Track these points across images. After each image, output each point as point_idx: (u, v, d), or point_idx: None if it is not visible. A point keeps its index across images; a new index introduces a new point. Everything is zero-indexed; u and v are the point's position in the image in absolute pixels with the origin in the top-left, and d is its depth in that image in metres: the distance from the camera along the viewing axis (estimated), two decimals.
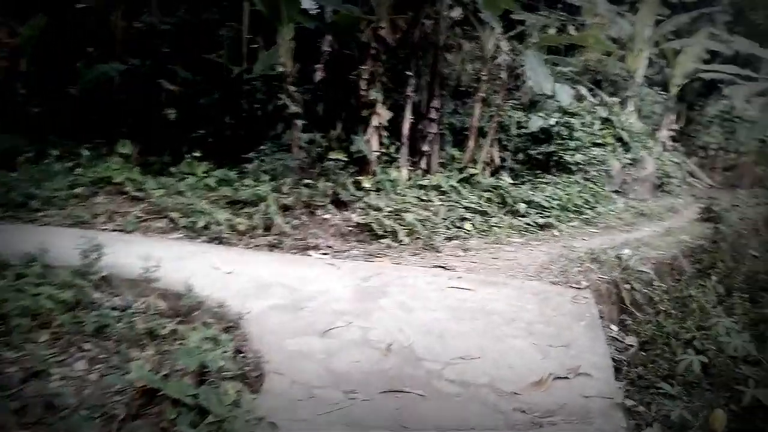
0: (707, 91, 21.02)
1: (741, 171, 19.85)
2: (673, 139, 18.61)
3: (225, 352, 4.38)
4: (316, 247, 7.68)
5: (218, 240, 7.66)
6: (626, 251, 7.70)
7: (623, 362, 5.36)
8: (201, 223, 7.88)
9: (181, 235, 7.85)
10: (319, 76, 10.82)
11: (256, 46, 11.65)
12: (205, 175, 9.67)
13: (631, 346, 5.85)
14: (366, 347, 4.68)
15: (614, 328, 6.13)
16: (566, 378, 4.48)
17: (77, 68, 13.57)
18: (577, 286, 6.52)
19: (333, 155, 9.81)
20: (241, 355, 4.40)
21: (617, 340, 5.84)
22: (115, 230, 7.87)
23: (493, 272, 7.05)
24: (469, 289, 6.17)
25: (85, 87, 14.71)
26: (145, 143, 13.31)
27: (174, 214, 8.15)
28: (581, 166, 12.33)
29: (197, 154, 10.77)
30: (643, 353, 5.70)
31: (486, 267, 7.27)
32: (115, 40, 13.97)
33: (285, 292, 5.76)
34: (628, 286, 6.84)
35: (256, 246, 7.62)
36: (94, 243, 5.90)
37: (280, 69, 10.07)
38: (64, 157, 11.85)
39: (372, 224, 8.29)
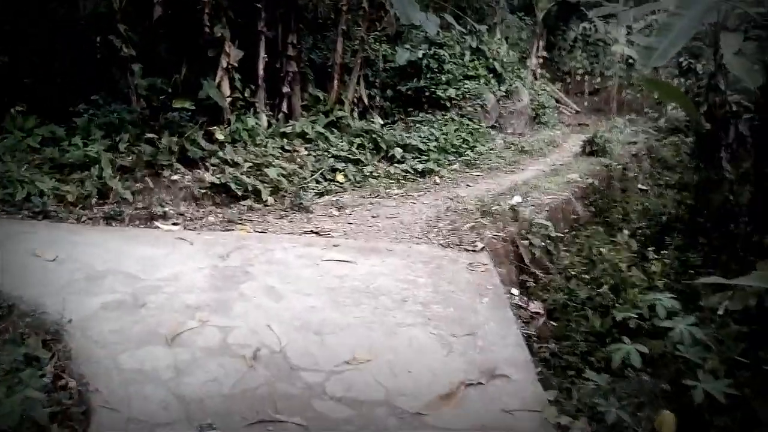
0: (567, 14, 21.33)
1: (606, 95, 20.54)
2: (541, 66, 18.85)
3: (41, 377, 3.63)
4: (164, 216, 6.86)
5: (43, 215, 6.60)
6: (517, 198, 7.46)
7: (531, 337, 4.81)
8: (20, 195, 6.75)
9: None
10: (158, 12, 9.56)
11: None
12: (24, 134, 8.32)
13: (538, 314, 5.38)
14: (226, 356, 3.94)
15: (515, 292, 5.62)
16: (480, 384, 3.79)
17: None
18: (471, 248, 6.09)
19: (178, 103, 8.81)
20: (61, 382, 3.64)
21: (521, 307, 5.35)
22: None
23: (374, 235, 6.58)
24: (348, 261, 5.62)
25: None
26: None
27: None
28: (455, 101, 12.06)
29: (21, 108, 9.34)
30: (553, 323, 5.30)
31: (365, 229, 6.79)
32: None
33: (123, 282, 4.96)
34: (526, 242, 6.44)
35: (90, 220, 6.67)
36: None
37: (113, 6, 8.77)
38: None
39: (229, 184, 7.55)
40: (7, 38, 11.26)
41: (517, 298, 5.52)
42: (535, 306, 5.52)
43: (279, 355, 3.98)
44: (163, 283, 4.99)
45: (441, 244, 6.23)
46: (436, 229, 6.65)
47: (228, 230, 6.71)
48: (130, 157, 7.70)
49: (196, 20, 9.38)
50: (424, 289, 5.13)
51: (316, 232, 6.64)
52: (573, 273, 5.87)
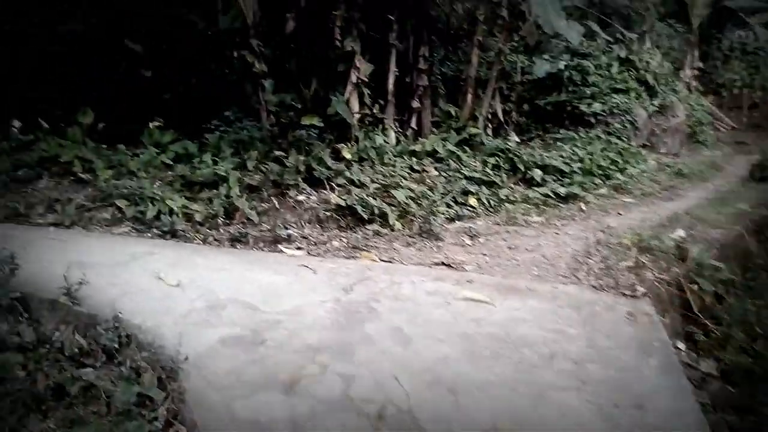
0: (723, 21, 19.56)
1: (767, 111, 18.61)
2: (697, 78, 17.34)
3: (154, 420, 3.45)
4: (288, 239, 6.69)
5: (171, 234, 6.65)
6: (679, 232, 6.60)
7: (705, 406, 4.03)
8: (151, 213, 6.87)
9: (127, 229, 6.85)
10: (290, 26, 9.59)
11: None
12: (159, 151, 8.56)
13: (710, 376, 4.60)
14: (348, 412, 3.55)
15: (681, 346, 4.91)
16: None
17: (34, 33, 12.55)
18: (630, 292, 5.38)
19: (306, 120, 8.70)
20: (173, 429, 3.43)
21: (689, 365, 4.61)
22: (52, 224, 6.87)
23: (513, 271, 6.01)
24: (485, 302, 5.11)
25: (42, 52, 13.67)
26: (108, 111, 12.36)
27: (121, 202, 7.12)
28: (601, 117, 11.19)
29: (158, 123, 9.72)
30: (731, 389, 4.46)
31: (502, 262, 6.24)
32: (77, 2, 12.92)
33: (243, 314, 4.77)
34: (695, 287, 5.59)
35: (216, 240, 6.63)
36: (5, 254, 4.88)
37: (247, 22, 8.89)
38: (23, 131, 10.99)
39: (355, 206, 7.28)
40: (152, 53, 11.87)
41: (684, 353, 4.76)
42: (708, 365, 4.72)
43: (407, 416, 3.54)
44: (284, 317, 4.74)
45: (593, 286, 5.55)
46: (585, 267, 5.97)
47: (353, 257, 6.42)
48: (258, 176, 7.67)
49: (326, 34, 9.31)
50: (576, 342, 4.50)
51: (448, 264, 6.19)
52: (760, 331, 4.93)
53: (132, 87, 13.34)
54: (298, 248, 6.59)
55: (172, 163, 8.37)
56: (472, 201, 8.17)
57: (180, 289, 5.17)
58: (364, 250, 6.61)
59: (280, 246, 6.56)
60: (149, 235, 6.69)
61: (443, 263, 6.27)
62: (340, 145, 8.56)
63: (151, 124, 10.23)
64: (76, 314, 4.67)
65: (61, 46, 13.48)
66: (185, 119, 10.56)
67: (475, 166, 9.06)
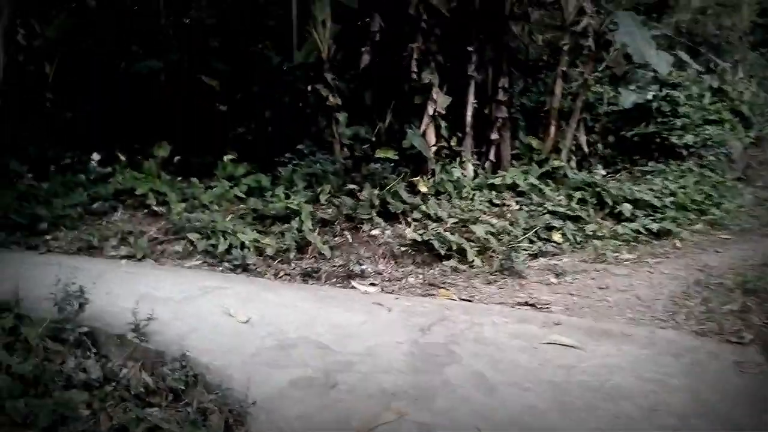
0: None
1: None
2: None
3: None
4: (361, 275, 6.46)
5: (242, 268, 6.54)
6: None
7: None
8: (222, 247, 6.78)
9: (198, 262, 6.79)
10: (365, 60, 9.52)
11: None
12: (232, 185, 8.56)
13: None
14: None
15: None
16: None
17: (113, 69, 13.15)
18: (736, 339, 4.85)
19: (381, 153, 8.54)
20: None
21: None
22: (125, 257, 6.88)
23: (604, 313, 5.55)
24: (575, 347, 4.69)
25: (122, 87, 14.28)
26: (184, 145, 12.70)
27: (193, 236, 7.08)
28: (693, 149, 10.55)
29: (231, 157, 9.80)
30: None
31: (592, 303, 5.80)
32: (160, 37, 13.49)
33: (315, 354, 4.53)
34: None
35: (288, 275, 6.47)
36: (74, 288, 4.84)
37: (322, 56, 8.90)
38: (102, 163, 11.41)
39: (432, 241, 6.98)
40: (227, 89, 12.11)
41: None
42: None
43: None
44: (356, 358, 4.47)
45: (694, 332, 5.03)
46: (684, 310, 5.45)
47: (429, 295, 6.12)
48: (330, 210, 7.53)
49: (402, 66, 9.19)
50: (679, 394, 4.02)
51: (532, 304, 5.79)
52: None
53: (207, 121, 13.69)
54: (372, 284, 6.34)
55: (244, 196, 8.34)
56: (557, 237, 7.73)
57: (250, 326, 4.99)
58: (441, 287, 6.30)
59: (353, 282, 6.34)
60: (220, 269, 6.60)
61: (527, 303, 5.88)
62: (415, 179, 8.34)
63: (225, 158, 10.34)
64: (144, 351, 4.55)
65: (140, 81, 14.01)
66: (259, 153, 10.63)
67: (559, 200, 8.63)
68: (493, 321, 5.27)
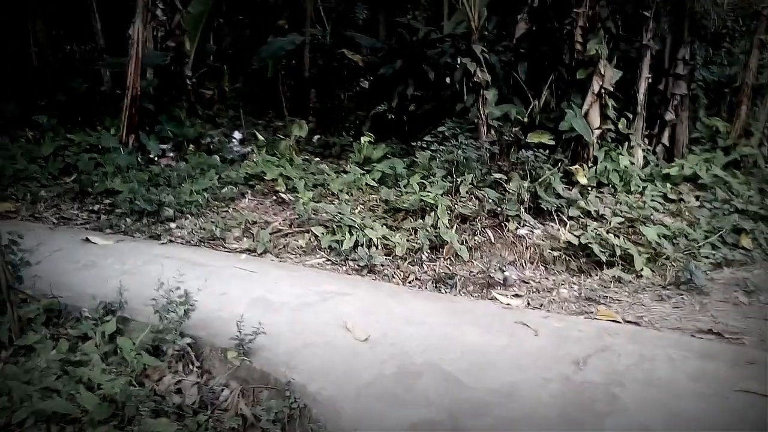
0: None
1: None
2: None
3: None
4: (503, 284, 5.73)
5: (368, 269, 6.04)
6: None
7: None
8: (347, 244, 6.32)
9: (321, 259, 6.37)
10: (521, 29, 8.66)
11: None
12: (364, 171, 8.12)
13: None
14: None
15: None
16: None
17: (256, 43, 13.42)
18: None
19: (534, 138, 7.68)
20: None
21: None
22: (245, 251, 6.62)
23: None
24: None
25: (261, 64, 14.49)
26: (322, 124, 12.61)
27: (317, 229, 6.68)
28: None
29: (368, 139, 9.41)
30: None
31: None
32: (304, 12, 13.53)
33: (442, 389, 3.92)
34: None
35: (418, 280, 5.88)
36: (179, 293, 4.54)
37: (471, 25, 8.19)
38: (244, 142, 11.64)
39: (591, 245, 6.10)
40: (370, 64, 11.73)
41: None
42: None
43: None
44: (493, 398, 3.79)
45: None
46: None
47: (586, 313, 5.28)
48: (471, 204, 6.83)
49: (564, 36, 8.24)
50: None
51: (717, 333, 4.79)
52: None
53: (348, 98, 13.42)
54: (516, 296, 5.60)
55: (376, 184, 7.85)
56: (746, 241, 6.54)
57: (369, 345, 4.45)
58: (601, 303, 5.43)
59: (493, 292, 5.63)
60: (344, 268, 6.15)
61: (710, 331, 4.87)
62: (573, 168, 7.41)
63: (362, 139, 9.98)
64: (248, 370, 4.18)
65: (283, 57, 14.05)
66: (398, 134, 10.15)
67: (750, 196, 7.35)
68: (668, 355, 4.36)
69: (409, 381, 4.00)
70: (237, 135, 12.62)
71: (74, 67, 13.17)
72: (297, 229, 6.98)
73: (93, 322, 4.64)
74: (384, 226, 6.59)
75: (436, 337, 4.59)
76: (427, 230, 6.41)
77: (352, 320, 4.78)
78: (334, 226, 6.65)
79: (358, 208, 7.25)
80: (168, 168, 9.80)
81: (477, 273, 5.89)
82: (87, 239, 6.79)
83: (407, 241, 6.36)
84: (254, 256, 6.48)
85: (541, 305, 5.41)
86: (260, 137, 12.40)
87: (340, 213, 6.78)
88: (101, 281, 5.53)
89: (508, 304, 5.41)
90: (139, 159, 10.31)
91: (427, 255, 6.24)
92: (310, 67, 14.06)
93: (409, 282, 5.84)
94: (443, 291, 5.65)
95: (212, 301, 5.12)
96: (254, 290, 5.41)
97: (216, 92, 14.95)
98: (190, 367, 4.39)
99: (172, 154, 11.19)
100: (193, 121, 12.93)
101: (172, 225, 7.39)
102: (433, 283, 5.78)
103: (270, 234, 6.85)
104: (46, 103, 12.53)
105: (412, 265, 6.13)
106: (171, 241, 6.90)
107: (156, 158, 10.64)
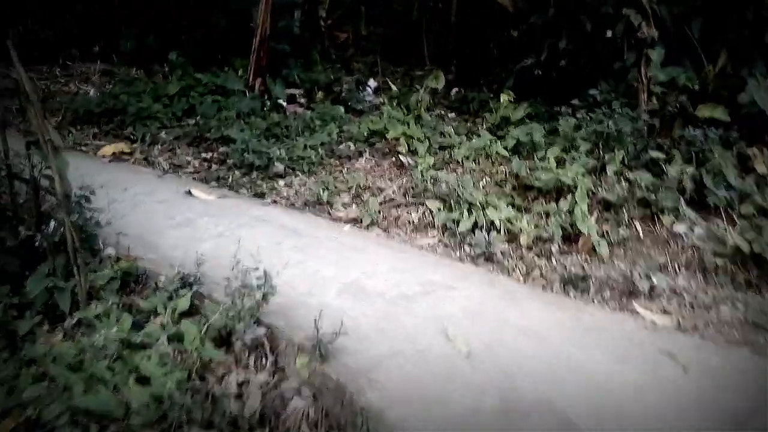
0: None
1: None
2: None
3: None
4: (649, 294, 4.75)
5: (485, 257, 5.26)
6: None
7: None
8: (465, 224, 5.57)
9: (433, 239, 5.67)
10: None
11: None
12: (495, 138, 7.26)
13: None
14: None
15: None
16: None
17: None
18: None
19: (704, 111, 6.46)
20: None
21: None
22: (350, 221, 6.02)
23: None
24: None
25: (405, 6, 13.82)
26: (463, 76, 11.84)
27: (432, 204, 5.97)
28: None
29: (508, 98, 8.57)
30: None
31: None
32: None
33: None
34: None
35: (542, 277, 5.03)
36: (258, 274, 4.03)
37: None
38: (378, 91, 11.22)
39: (766, 254, 4.94)
40: (521, 11, 10.74)
41: None
42: None
43: None
44: None
45: None
46: None
47: (752, 344, 4.23)
48: (618, 189, 5.81)
49: None
50: None
51: None
52: None
53: (493, 48, 12.41)
54: (664, 312, 4.62)
55: (509, 154, 6.97)
56: None
57: (469, 363, 3.72)
58: None
59: (635, 303, 4.68)
60: (457, 254, 5.40)
61: None
62: (751, 152, 6.15)
63: (502, 96, 9.14)
64: (323, 377, 3.59)
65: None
66: (543, 92, 9.18)
67: None
68: None
69: (514, 419, 3.26)
70: (371, 83, 12.08)
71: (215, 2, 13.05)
72: (411, 200, 6.30)
73: (167, 295, 4.24)
74: (510, 207, 5.74)
75: (555, 361, 3.78)
76: (560, 216, 5.50)
77: (454, 325, 4.07)
78: (453, 201, 5.89)
79: (484, 180, 6.44)
80: (293, 116, 9.43)
81: (617, 276, 4.94)
82: (189, 192, 6.48)
83: (535, 227, 5.49)
84: (359, 228, 5.87)
85: (695, 327, 4.41)
86: (393, 87, 11.79)
87: (461, 186, 6.00)
88: (192, 243, 5.17)
89: (652, 322, 4.45)
90: (266, 104, 10.02)
91: (557, 247, 5.35)
92: (456, 11, 13.14)
93: (532, 279, 5.00)
94: (572, 295, 4.77)
95: (301, 282, 4.60)
96: (350, 271, 4.82)
97: (351, 36, 14.38)
98: (263, 361, 3.89)
99: (303, 100, 10.84)
100: (325, 66, 12.50)
101: (281, 182, 6.95)
102: (560, 283, 4.91)
103: (380, 203, 6.23)
104: (185, 39, 12.53)
105: (538, 258, 5.28)
106: (275, 201, 6.43)
107: (283, 104, 10.30)
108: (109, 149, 7.96)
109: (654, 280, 4.84)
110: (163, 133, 8.76)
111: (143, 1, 12.83)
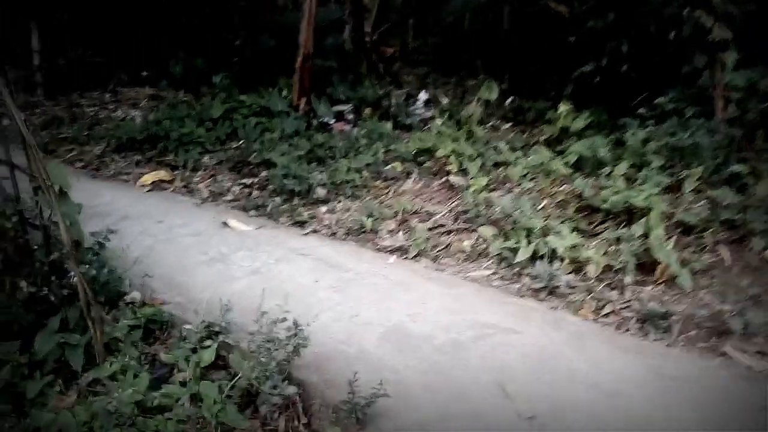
0: None
1: None
2: None
3: None
4: (743, 335, 4.04)
5: (548, 291, 4.63)
6: None
7: None
8: (523, 254, 4.95)
9: (488, 271, 5.07)
10: None
11: None
12: (554, 154, 6.62)
13: None
14: None
15: None
16: None
17: None
18: None
19: None
20: None
21: None
22: (396, 250, 5.48)
23: None
24: None
25: (454, 16, 13.31)
26: (518, 83, 11.24)
27: (485, 231, 5.37)
28: None
29: (567, 108, 7.96)
30: None
31: None
32: None
33: None
34: None
35: (614, 315, 4.37)
36: (289, 324, 3.53)
37: None
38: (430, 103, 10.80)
39: None
40: (577, 16, 10.15)
41: None
42: None
43: None
44: None
45: None
46: None
47: None
48: (698, 208, 5.11)
49: None
50: None
51: None
52: None
53: (549, 56, 11.76)
54: (760, 353, 3.91)
55: (570, 170, 6.32)
56: None
57: (533, 428, 3.11)
58: None
59: (727, 345, 3.99)
60: (516, 286, 4.79)
61: None
62: None
63: (561, 105, 8.51)
64: None
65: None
66: (605, 100, 8.50)
67: None
68: None
69: None
70: (422, 95, 11.58)
71: (262, 21, 12.73)
72: (462, 226, 5.72)
73: (191, 346, 3.77)
74: (574, 232, 5.10)
75: (634, 426, 3.13)
76: (632, 242, 4.83)
77: (513, 380, 3.48)
78: (509, 227, 5.28)
79: (543, 202, 5.80)
80: (340, 134, 8.99)
81: (703, 311, 4.25)
82: (225, 223, 6.05)
83: (604, 255, 4.83)
84: (405, 258, 5.31)
85: None
86: (444, 100, 11.27)
87: (518, 209, 5.39)
88: (223, 283, 4.73)
89: (749, 368, 3.76)
90: (313, 124, 9.62)
91: (631, 278, 4.68)
92: (509, 18, 12.53)
93: (604, 315, 4.36)
94: (651, 336, 4.10)
95: (338, 327, 4.08)
96: (393, 313, 4.27)
97: (399, 49, 13.88)
98: (296, 423, 3.36)
99: (351, 117, 10.40)
100: (372, 81, 12.04)
101: (323, 209, 6.46)
102: (637, 321, 4.25)
103: (429, 230, 5.66)
104: (234, 60, 12.30)
105: (609, 290, 4.62)
106: (315, 231, 5.94)
107: (328, 123, 9.88)
108: (149, 178, 7.63)
109: (747, 316, 4.13)
110: (206, 157, 8.41)
111: (192, 25, 12.67)
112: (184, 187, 7.46)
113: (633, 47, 8.61)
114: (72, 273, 3.84)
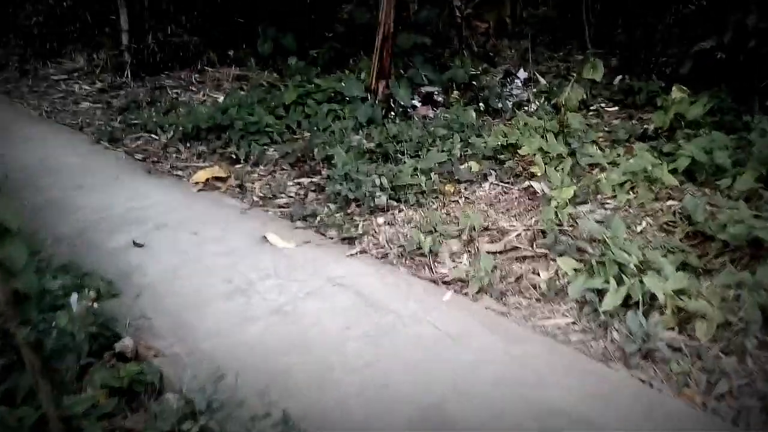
0: None
1: None
2: None
3: None
4: None
5: (640, 355, 3.49)
6: None
7: None
8: (613, 299, 3.82)
9: (565, 320, 3.98)
10: None
11: None
12: (658, 158, 5.35)
13: None
14: None
15: None
16: None
17: None
18: None
19: None
20: None
21: None
22: (455, 281, 4.47)
23: None
24: None
25: None
26: (628, 60, 9.99)
27: (567, 262, 4.25)
28: None
29: (681, 95, 6.72)
30: None
31: None
32: None
33: None
34: None
35: (732, 398, 3.19)
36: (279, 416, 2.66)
37: None
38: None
39: None
40: None
41: None
42: None
43: None
44: None
45: None
46: None
47: None
48: None
49: None
50: None
51: None
52: None
53: (666, 29, 10.27)
54: None
55: (680, 181, 5.04)
56: None
57: None
58: None
59: None
60: (600, 345, 3.68)
61: None
62: None
63: (673, 89, 7.25)
64: None
65: None
66: (729, 80, 7.18)
67: None
68: None
69: None
70: (521, 74, 10.38)
71: None
72: (539, 251, 4.60)
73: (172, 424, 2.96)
74: (682, 271, 3.89)
75: None
76: (759, 291, 3.59)
77: None
78: (596, 259, 4.13)
79: (643, 224, 4.58)
80: (424, 120, 8.09)
81: None
82: (265, 238, 5.21)
83: (721, 304, 3.62)
84: (465, 293, 4.28)
85: None
86: (542, 80, 10.08)
87: (612, 236, 4.22)
88: (236, 326, 3.92)
89: None
90: (393, 110, 8.69)
91: (757, 340, 3.46)
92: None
93: (718, 397, 3.19)
94: None
95: (358, 402, 3.16)
96: (434, 384, 3.30)
97: (493, 24, 12.55)
98: None
99: (440, 99, 9.40)
100: (464, 60, 10.89)
101: (380, 220, 5.51)
102: (762, 412, 3.06)
103: (498, 253, 4.60)
104: (327, 36, 11.52)
105: (724, 356, 3.43)
106: (363, 251, 4.97)
107: (410, 109, 8.92)
108: (203, 175, 6.92)
109: None
110: (272, 149, 7.62)
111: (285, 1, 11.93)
112: (238, 186, 6.68)
113: (763, 20, 7.14)
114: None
